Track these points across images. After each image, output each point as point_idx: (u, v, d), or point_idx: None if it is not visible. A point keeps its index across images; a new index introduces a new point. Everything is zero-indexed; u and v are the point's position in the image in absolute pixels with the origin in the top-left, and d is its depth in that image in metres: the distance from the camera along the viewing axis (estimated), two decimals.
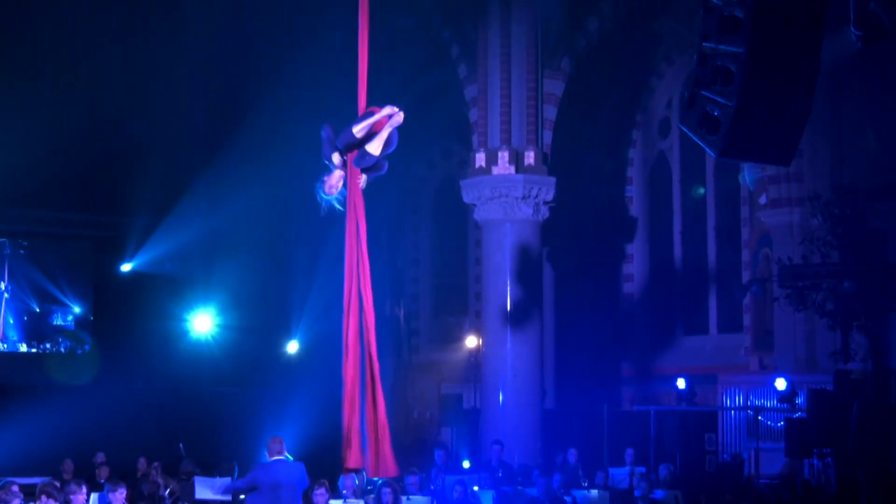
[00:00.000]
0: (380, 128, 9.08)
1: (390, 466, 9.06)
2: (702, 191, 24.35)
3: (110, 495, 12.48)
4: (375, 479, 9.82)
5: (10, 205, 21.00)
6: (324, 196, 9.20)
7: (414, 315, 27.50)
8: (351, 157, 9.16)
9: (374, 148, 9.06)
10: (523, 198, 21.29)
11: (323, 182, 9.17)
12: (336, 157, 9.12)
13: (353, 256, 9.11)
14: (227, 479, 15.83)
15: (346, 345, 9.04)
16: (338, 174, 9.16)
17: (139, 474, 17.40)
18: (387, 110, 9.06)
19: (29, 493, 13.80)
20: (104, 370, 21.69)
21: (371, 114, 9.10)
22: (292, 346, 23.82)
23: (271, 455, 13.48)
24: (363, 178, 9.19)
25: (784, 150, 9.62)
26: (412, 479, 16.43)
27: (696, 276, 24.60)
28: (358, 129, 9.02)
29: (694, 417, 20.78)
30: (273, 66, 22.05)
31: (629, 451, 19.20)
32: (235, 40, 21.90)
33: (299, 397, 20.99)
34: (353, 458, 9.00)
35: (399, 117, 9.06)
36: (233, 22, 21.78)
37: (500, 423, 21.05)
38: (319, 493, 14.06)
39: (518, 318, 21.16)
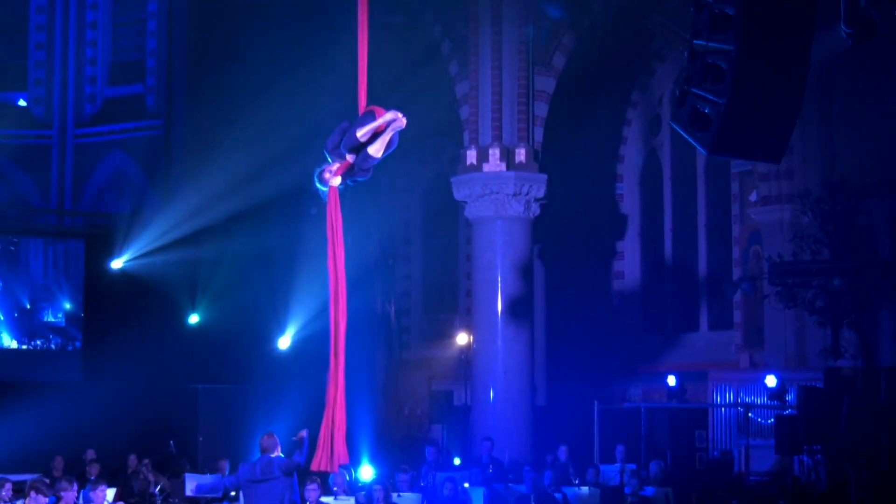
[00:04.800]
0: (381, 131, 9.20)
1: (336, 462, 9.24)
2: None
3: (90, 493, 12.43)
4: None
5: (2, 202, 20.97)
6: (319, 185, 9.31)
7: (405, 312, 27.45)
8: (351, 159, 9.30)
9: (376, 150, 9.25)
10: (514, 195, 21.29)
11: (323, 170, 9.29)
12: (349, 157, 9.27)
13: (331, 257, 9.27)
14: (217, 476, 15.83)
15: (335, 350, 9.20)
16: (337, 165, 9.29)
17: (130, 471, 17.39)
18: (389, 115, 9.19)
19: (19, 489, 13.79)
20: (94, 367, 21.64)
21: (372, 114, 9.21)
22: (284, 342, 23.77)
23: (263, 452, 13.43)
24: (339, 178, 9.31)
25: (775, 148, 9.65)
26: (403, 477, 16.43)
27: (686, 274, 24.60)
28: (362, 133, 9.16)
29: (684, 414, 20.78)
30: (267, 61, 22.01)
31: (619, 448, 19.18)
32: (228, 36, 21.87)
33: (291, 393, 20.93)
34: (324, 461, 9.19)
35: (401, 122, 9.21)
36: (224, 19, 21.76)
37: (491, 419, 21.05)
38: (311, 488, 14.08)
39: (509, 315, 21.15)
